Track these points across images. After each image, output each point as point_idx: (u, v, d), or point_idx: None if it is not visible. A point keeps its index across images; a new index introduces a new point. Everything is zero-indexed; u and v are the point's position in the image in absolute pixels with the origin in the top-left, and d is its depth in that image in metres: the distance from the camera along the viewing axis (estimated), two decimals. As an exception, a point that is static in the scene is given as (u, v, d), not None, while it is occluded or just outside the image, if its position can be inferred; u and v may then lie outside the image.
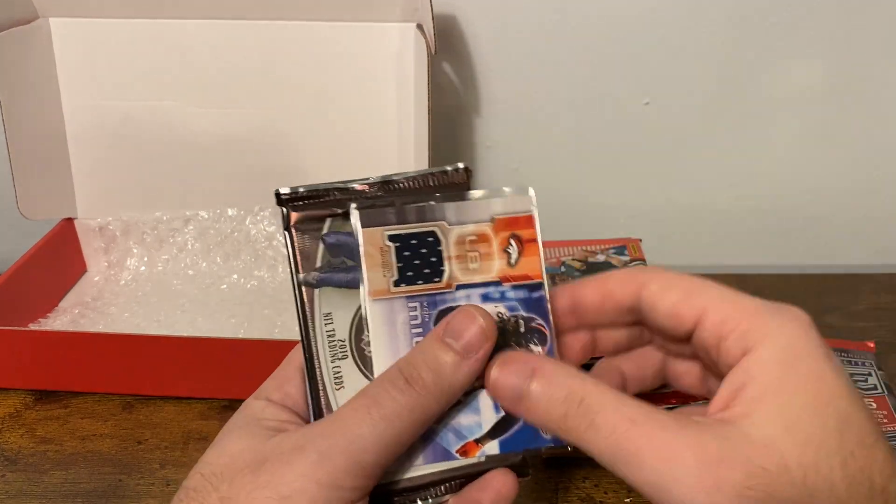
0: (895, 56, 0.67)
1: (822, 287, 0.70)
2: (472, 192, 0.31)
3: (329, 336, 0.30)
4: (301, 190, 0.31)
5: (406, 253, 0.30)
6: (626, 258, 0.58)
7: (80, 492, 0.48)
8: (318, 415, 0.30)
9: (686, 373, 0.32)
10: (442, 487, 0.30)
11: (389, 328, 0.30)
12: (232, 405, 0.50)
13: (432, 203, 0.30)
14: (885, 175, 0.73)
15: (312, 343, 0.30)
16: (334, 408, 0.29)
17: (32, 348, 0.54)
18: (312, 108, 0.65)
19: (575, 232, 0.63)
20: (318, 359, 0.30)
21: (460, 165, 0.32)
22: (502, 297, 0.31)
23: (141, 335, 0.53)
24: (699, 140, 0.71)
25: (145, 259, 0.69)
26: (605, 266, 0.57)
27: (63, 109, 0.65)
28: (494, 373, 0.29)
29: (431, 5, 0.53)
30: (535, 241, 0.31)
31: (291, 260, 0.30)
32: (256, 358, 0.50)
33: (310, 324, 0.30)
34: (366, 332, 0.30)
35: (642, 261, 0.57)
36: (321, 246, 0.31)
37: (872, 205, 0.75)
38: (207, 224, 0.69)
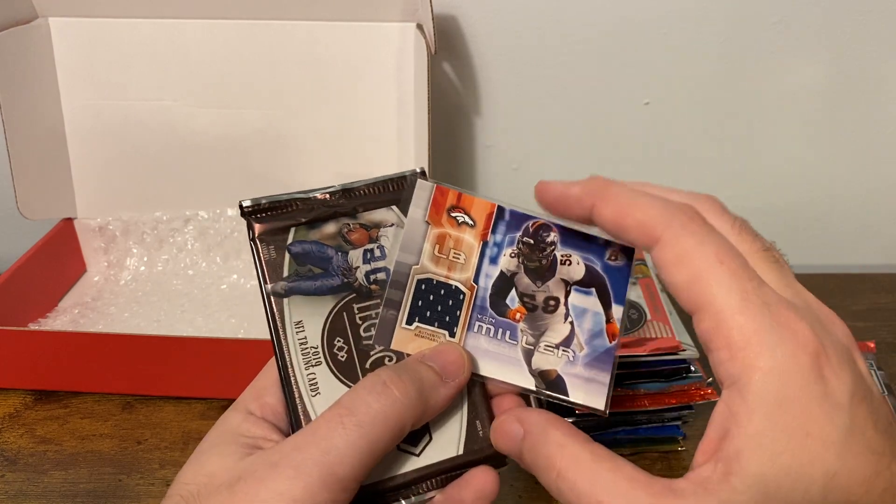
0: (894, 57, 0.67)
1: (822, 287, 0.69)
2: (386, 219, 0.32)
3: (301, 344, 0.31)
4: (263, 201, 0.31)
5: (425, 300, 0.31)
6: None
7: (80, 492, 0.48)
8: (297, 423, 0.30)
9: None
10: (424, 485, 0.30)
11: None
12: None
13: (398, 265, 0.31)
14: (885, 175, 0.73)
15: (285, 352, 0.31)
16: (312, 415, 0.30)
17: (32, 348, 0.54)
18: (312, 108, 0.65)
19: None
20: (293, 367, 0.30)
21: (417, 169, 0.33)
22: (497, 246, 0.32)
23: (141, 335, 0.53)
24: (699, 140, 0.71)
25: (145, 259, 0.69)
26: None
27: (63, 109, 0.65)
28: (492, 435, 0.30)
29: (431, 5, 0.53)
30: (459, 195, 0.32)
31: (259, 271, 0.31)
32: (256, 358, 0.50)
33: (281, 333, 0.31)
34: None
35: (641, 260, 0.57)
36: (287, 255, 0.31)
37: (873, 205, 0.75)
38: (207, 224, 0.69)
